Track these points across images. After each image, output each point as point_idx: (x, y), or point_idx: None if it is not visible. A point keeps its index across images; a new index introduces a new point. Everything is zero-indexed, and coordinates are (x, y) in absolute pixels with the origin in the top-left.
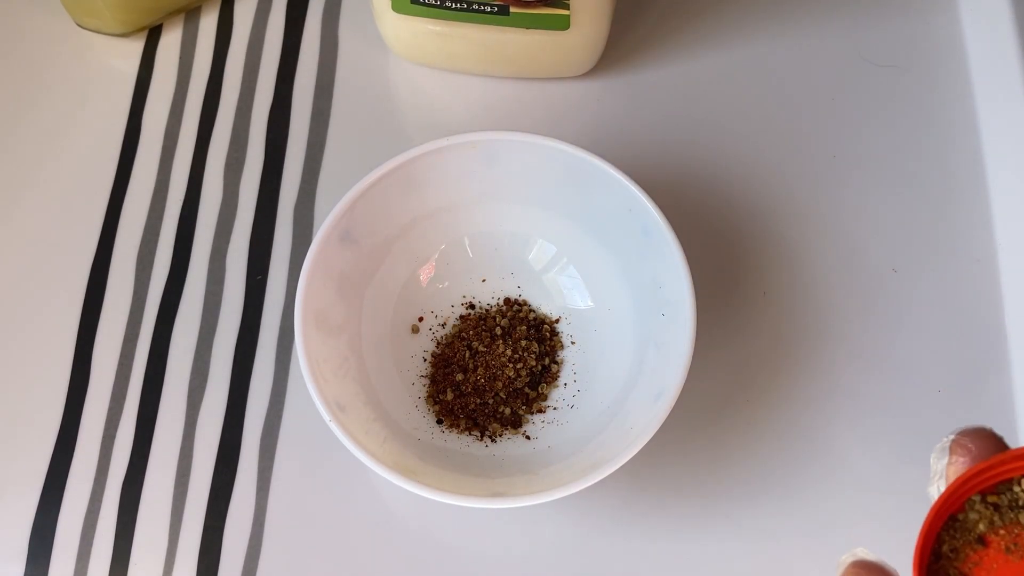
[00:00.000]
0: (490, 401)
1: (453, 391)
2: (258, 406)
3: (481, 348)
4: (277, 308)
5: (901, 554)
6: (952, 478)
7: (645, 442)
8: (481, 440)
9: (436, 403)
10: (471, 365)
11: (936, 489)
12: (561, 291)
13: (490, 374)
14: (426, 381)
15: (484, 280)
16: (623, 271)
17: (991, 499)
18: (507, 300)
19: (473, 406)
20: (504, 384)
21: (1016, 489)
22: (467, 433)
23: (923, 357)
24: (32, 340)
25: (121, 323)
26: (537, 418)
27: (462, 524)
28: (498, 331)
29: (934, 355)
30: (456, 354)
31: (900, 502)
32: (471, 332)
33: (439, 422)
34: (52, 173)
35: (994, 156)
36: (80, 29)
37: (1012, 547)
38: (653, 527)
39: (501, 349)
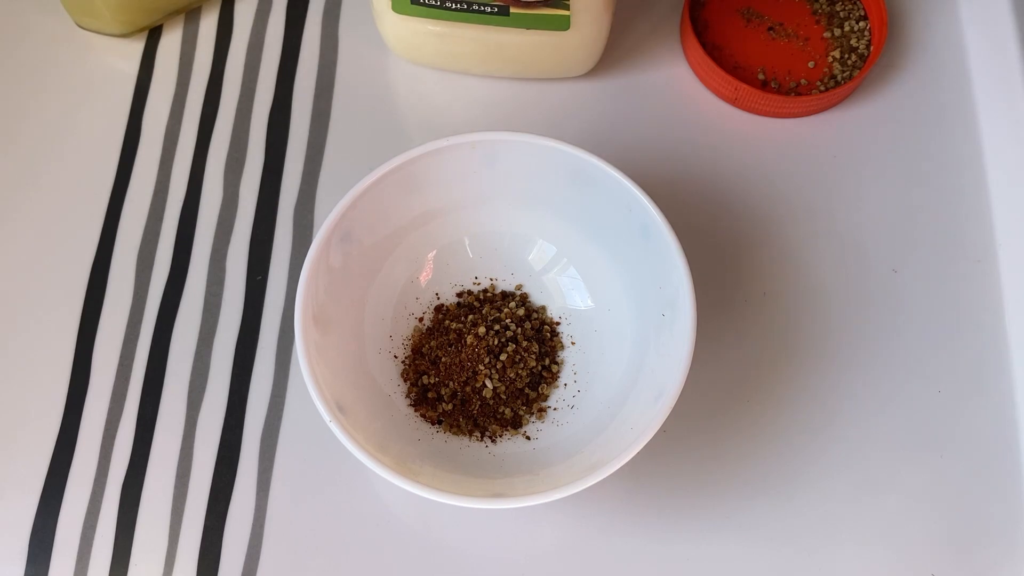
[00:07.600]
0: (488, 398)
1: (447, 394)
2: (258, 406)
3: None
4: (277, 308)
5: (902, 553)
6: None
7: (645, 442)
8: (481, 441)
9: (433, 407)
10: (460, 365)
11: None
12: (561, 291)
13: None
14: (426, 380)
15: (484, 280)
16: (623, 271)
17: None
18: (503, 293)
19: (475, 408)
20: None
21: None
22: (467, 434)
23: (923, 357)
24: (32, 341)
25: (121, 324)
26: (537, 418)
27: (462, 524)
28: (493, 317)
29: (934, 355)
30: (453, 355)
31: (900, 502)
32: (467, 330)
33: (439, 423)
34: (52, 174)
35: (994, 156)
36: (80, 29)
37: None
38: (653, 527)
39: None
